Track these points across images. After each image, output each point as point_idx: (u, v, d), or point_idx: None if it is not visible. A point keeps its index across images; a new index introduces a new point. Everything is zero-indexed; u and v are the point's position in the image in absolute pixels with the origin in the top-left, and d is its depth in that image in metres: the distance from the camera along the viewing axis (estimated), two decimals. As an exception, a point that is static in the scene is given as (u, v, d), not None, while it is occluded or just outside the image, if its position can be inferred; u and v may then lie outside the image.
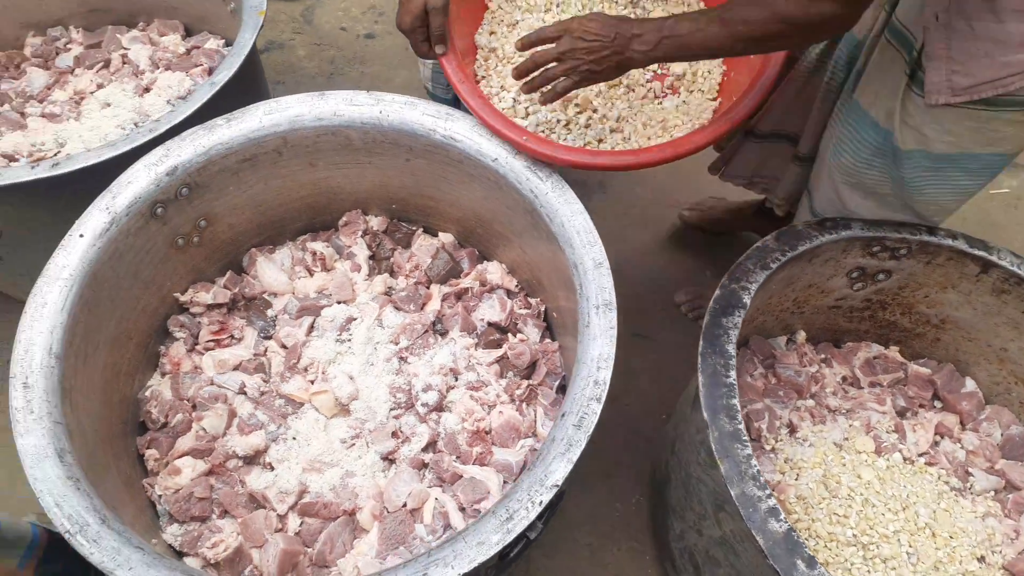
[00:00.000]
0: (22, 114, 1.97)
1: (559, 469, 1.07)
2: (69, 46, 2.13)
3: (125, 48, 2.10)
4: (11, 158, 1.87)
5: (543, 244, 1.40)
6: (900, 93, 1.23)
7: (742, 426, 1.17)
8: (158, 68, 2.06)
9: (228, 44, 2.12)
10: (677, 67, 1.58)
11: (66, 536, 1.02)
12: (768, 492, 1.12)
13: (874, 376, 1.64)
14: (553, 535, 1.65)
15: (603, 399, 1.12)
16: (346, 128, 1.46)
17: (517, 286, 1.63)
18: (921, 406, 1.62)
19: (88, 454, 1.19)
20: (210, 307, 1.58)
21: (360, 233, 1.67)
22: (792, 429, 1.56)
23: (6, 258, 1.71)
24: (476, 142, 1.40)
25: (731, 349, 1.23)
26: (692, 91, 1.56)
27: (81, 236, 1.30)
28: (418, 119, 1.43)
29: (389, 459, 1.41)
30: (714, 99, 1.55)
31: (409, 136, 1.45)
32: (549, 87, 1.30)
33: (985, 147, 1.20)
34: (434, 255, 1.65)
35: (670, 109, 1.52)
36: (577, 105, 1.51)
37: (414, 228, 1.70)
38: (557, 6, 1.63)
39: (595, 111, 1.52)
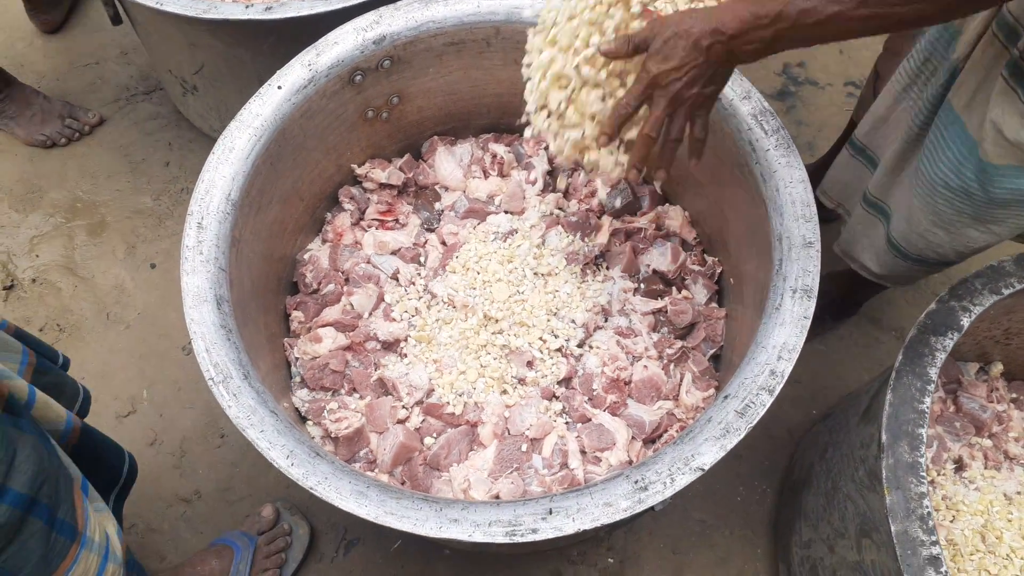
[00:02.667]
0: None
1: (709, 453, 0.98)
2: None
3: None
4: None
5: (745, 203, 1.26)
6: (995, 97, 1.00)
7: (923, 460, 1.03)
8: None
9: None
10: None
11: (209, 384, 1.03)
12: (934, 539, 0.99)
13: (1072, 435, 1.43)
14: (664, 500, 1.58)
15: (776, 393, 1.01)
16: (562, 31, 1.35)
17: (695, 239, 1.51)
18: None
19: (241, 303, 1.21)
20: (382, 186, 1.55)
21: (544, 145, 1.59)
22: (960, 466, 1.39)
23: (201, 90, 1.74)
24: (699, 76, 1.26)
25: (933, 374, 1.08)
26: None
27: (279, 88, 1.28)
28: (642, 37, 1.30)
29: (521, 381, 1.36)
30: None
31: (628, 53, 1.32)
32: (686, 143, 1.04)
33: None
34: (615, 185, 1.54)
35: None
36: None
37: (601, 152, 1.59)
38: None
39: None
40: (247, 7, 1.41)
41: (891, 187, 1.30)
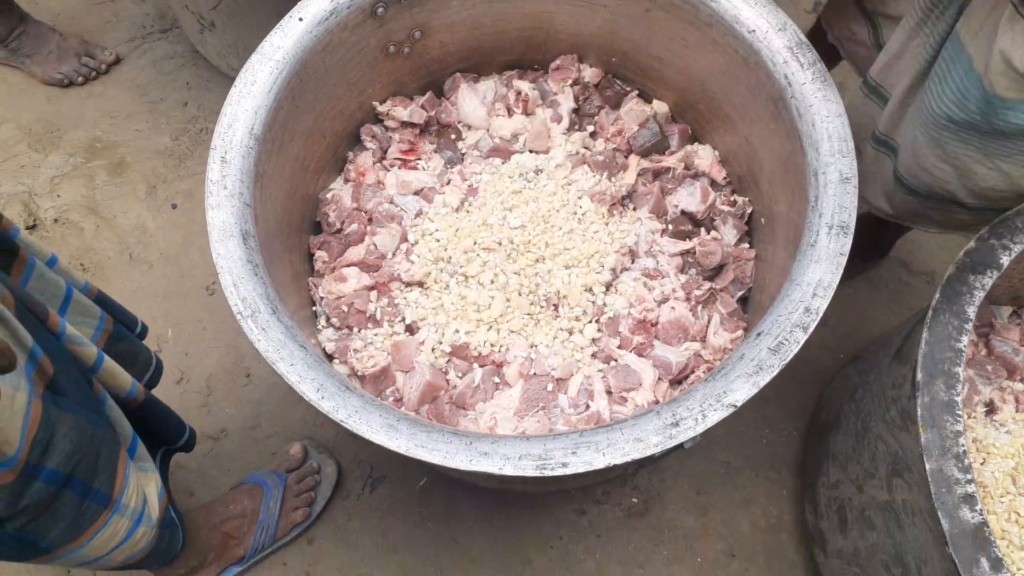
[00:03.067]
0: None
1: (741, 390, 0.97)
2: None
3: None
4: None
5: (778, 140, 1.23)
6: (1004, 23, 0.97)
7: (960, 398, 1.02)
8: None
9: None
10: None
11: (238, 318, 1.02)
12: (969, 477, 0.98)
13: (1106, 380, 1.41)
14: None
15: (810, 330, 0.99)
16: (592, -41, 1.31)
17: (725, 178, 1.47)
18: None
19: (267, 240, 1.19)
20: (404, 124, 1.52)
21: (570, 82, 1.55)
22: (991, 410, 1.37)
23: (219, 27, 1.70)
24: (735, 6, 1.22)
25: (971, 312, 1.06)
26: None
27: (300, 20, 1.25)
28: (675, -35, 1.26)
29: (547, 321, 1.35)
30: None
31: (659, -18, 1.28)
32: None
33: None
34: (642, 123, 1.50)
35: None
36: None
37: (628, 89, 1.56)
38: None
39: None
40: (266, -65, 1.37)
41: (899, 122, 1.26)
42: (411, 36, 1.43)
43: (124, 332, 1.14)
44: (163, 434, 1.16)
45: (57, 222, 1.74)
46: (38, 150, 1.83)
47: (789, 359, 0.98)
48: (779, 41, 1.20)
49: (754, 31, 1.21)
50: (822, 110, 1.14)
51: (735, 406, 0.96)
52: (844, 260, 1.04)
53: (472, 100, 1.54)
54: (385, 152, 1.52)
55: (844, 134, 1.11)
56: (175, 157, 1.82)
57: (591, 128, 1.55)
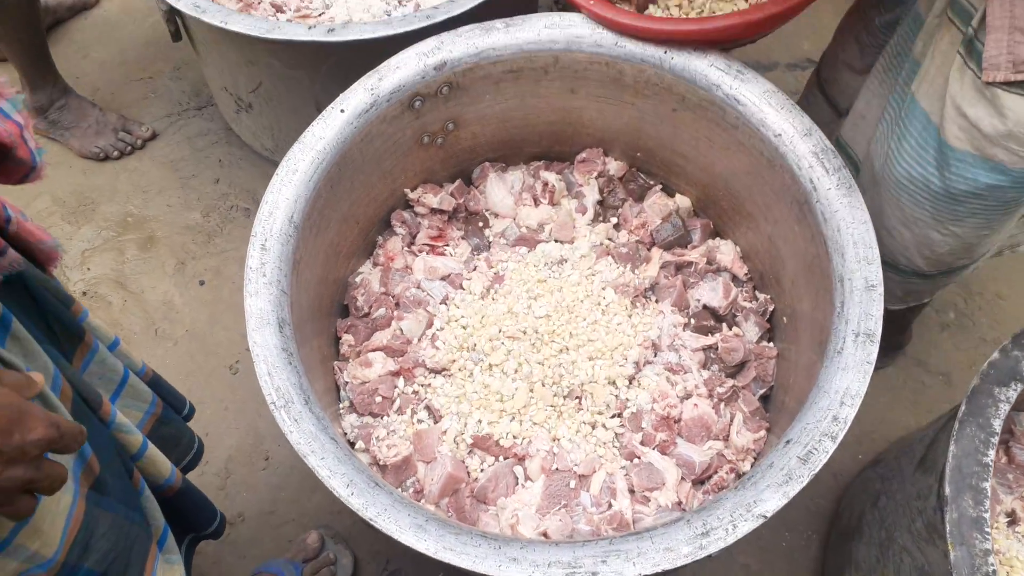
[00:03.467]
0: (297, -31, 1.99)
1: (771, 500, 0.97)
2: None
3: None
4: (279, 8, 1.91)
5: (802, 242, 1.25)
6: (953, 73, 1.04)
7: (988, 515, 1.01)
8: (434, -52, 2.01)
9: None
10: None
11: (271, 408, 1.03)
12: (999, 600, 0.97)
13: None
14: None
15: (839, 439, 1.00)
16: (623, 62, 1.36)
17: (746, 274, 1.50)
18: None
19: (300, 325, 1.21)
20: (433, 211, 1.55)
21: (595, 174, 1.59)
22: (1013, 520, 1.36)
23: (256, 109, 1.76)
24: (762, 110, 1.26)
25: (997, 425, 1.07)
26: None
27: (342, 111, 1.29)
28: (704, 69, 1.31)
29: (570, 415, 1.35)
30: None
31: (687, 85, 1.33)
32: None
33: None
34: (665, 217, 1.54)
35: None
36: None
37: (652, 183, 1.59)
38: None
39: None
40: (309, 28, 1.43)
41: (867, 185, 1.31)
42: (445, 128, 1.48)
43: (171, 415, 1.14)
44: (194, 521, 1.15)
45: (86, 295, 1.76)
46: (71, 222, 1.87)
47: (818, 469, 0.98)
48: (805, 146, 1.23)
49: (780, 135, 1.25)
50: (848, 216, 1.17)
51: (765, 516, 0.96)
52: (871, 368, 1.05)
53: (500, 190, 1.58)
54: (414, 237, 1.55)
55: (869, 241, 1.14)
56: (204, 233, 1.85)
57: (615, 220, 1.58)
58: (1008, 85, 0.96)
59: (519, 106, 1.50)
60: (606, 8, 1.33)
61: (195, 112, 2.06)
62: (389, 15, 1.87)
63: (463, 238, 1.57)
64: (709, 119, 1.36)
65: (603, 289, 1.45)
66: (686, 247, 1.53)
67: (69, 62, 2.14)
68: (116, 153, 1.97)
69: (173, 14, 1.57)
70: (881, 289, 1.10)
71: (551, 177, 1.59)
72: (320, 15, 1.88)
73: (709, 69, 1.30)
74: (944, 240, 1.20)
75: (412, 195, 1.54)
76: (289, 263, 1.18)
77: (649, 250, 1.53)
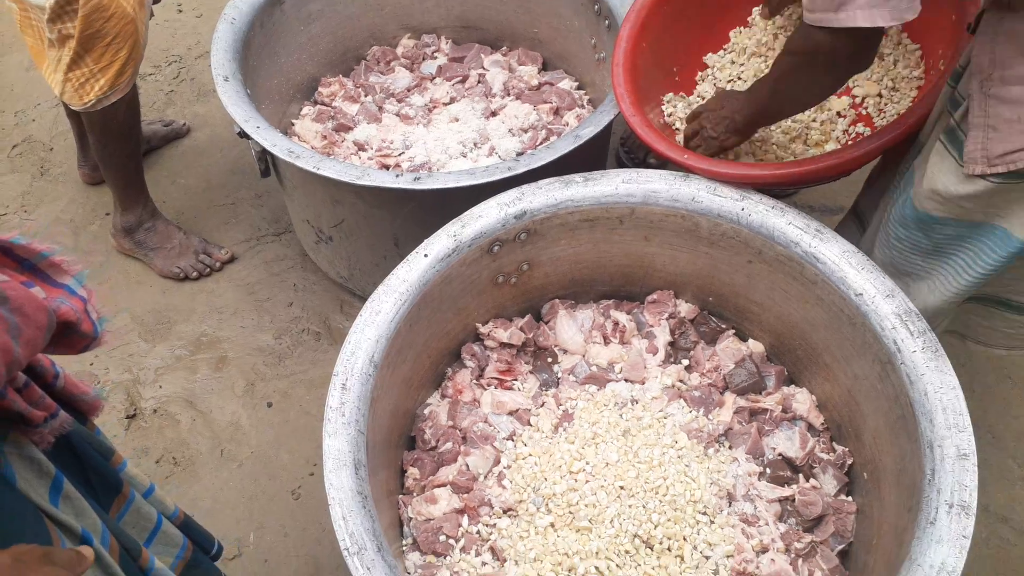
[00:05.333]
0: (380, 108, 2.11)
1: None
2: (436, 54, 2.26)
3: (484, 69, 2.19)
4: (361, 147, 2.01)
5: (885, 401, 1.23)
6: (935, 153, 1.18)
7: None
8: (508, 95, 2.12)
9: (581, 87, 2.15)
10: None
11: (344, 554, 1.02)
12: None
13: None
14: None
15: (939, 620, 0.95)
16: (699, 215, 1.40)
17: (823, 424, 1.46)
18: None
19: (372, 462, 1.21)
20: (502, 344, 1.57)
21: (666, 316, 1.60)
22: None
23: (336, 241, 1.83)
24: (842, 269, 1.27)
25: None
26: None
27: (425, 256, 1.34)
28: (782, 227, 1.33)
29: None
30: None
31: (765, 240, 1.35)
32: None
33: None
34: (739, 361, 1.53)
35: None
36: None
37: (724, 327, 1.59)
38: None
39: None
40: (397, 176, 1.50)
41: (871, 247, 1.41)
42: (520, 268, 1.51)
43: (201, 558, 1.15)
44: None
45: (156, 413, 1.80)
46: (147, 340, 1.93)
47: (917, 651, 0.93)
48: (887, 307, 1.23)
49: (861, 295, 1.25)
50: (935, 380, 1.15)
51: None
52: (967, 543, 1.01)
53: (570, 327, 1.59)
54: (483, 371, 1.56)
55: (960, 408, 1.11)
56: (275, 355, 1.89)
57: (686, 362, 1.58)
58: (982, 177, 1.10)
59: (592, 250, 1.53)
60: (701, 160, 1.41)
61: (273, 238, 2.14)
62: (465, 156, 1.96)
63: (531, 372, 1.58)
64: (786, 272, 1.37)
65: (675, 433, 1.43)
66: (760, 393, 1.51)
67: (159, 186, 2.26)
68: (195, 274, 2.05)
69: (265, 154, 1.66)
70: (975, 459, 1.07)
71: (622, 317, 1.60)
72: (400, 154, 1.98)
73: (787, 227, 1.32)
74: (931, 297, 1.31)
75: (483, 329, 1.56)
76: (367, 402, 1.20)
77: (722, 394, 1.52)
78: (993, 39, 1.05)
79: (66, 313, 0.73)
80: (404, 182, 1.48)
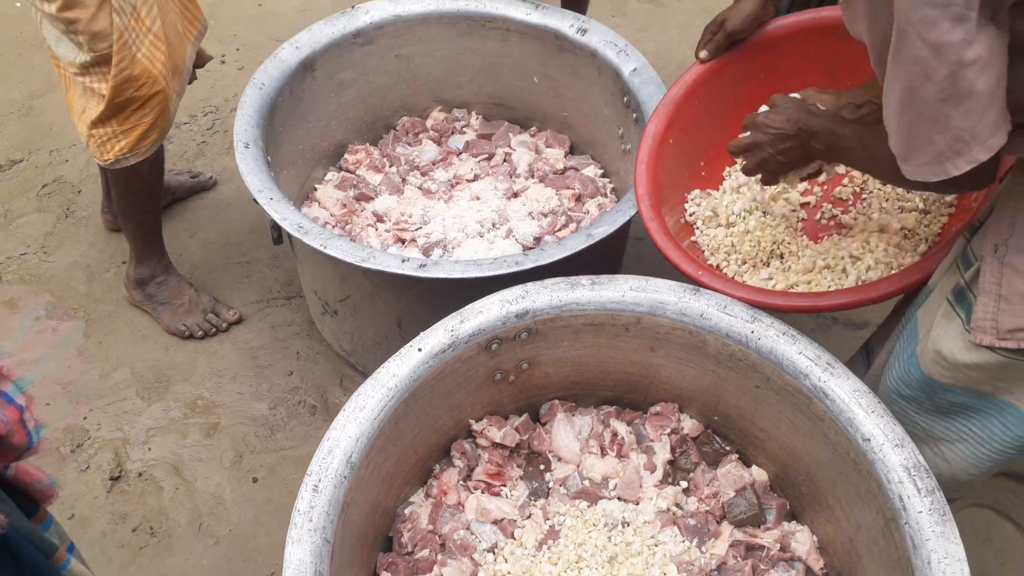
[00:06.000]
0: (403, 180, 2.10)
1: None
2: (465, 128, 2.26)
3: (511, 148, 2.18)
4: (380, 218, 2.00)
5: (886, 558, 1.15)
6: (941, 315, 1.10)
7: None
8: (533, 176, 2.10)
9: (606, 175, 2.12)
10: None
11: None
12: None
13: None
14: None
15: None
16: (707, 333, 1.34)
17: (822, 569, 1.37)
18: None
19: (339, 569, 1.15)
20: (495, 444, 1.51)
21: (669, 430, 1.53)
22: None
23: (340, 315, 1.80)
24: (851, 409, 1.20)
25: None
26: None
27: (419, 350, 1.29)
28: (792, 356, 1.27)
29: None
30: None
31: (773, 368, 1.29)
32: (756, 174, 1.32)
33: None
34: (740, 490, 1.45)
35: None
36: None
37: (728, 448, 1.52)
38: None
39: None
40: (403, 261, 1.47)
41: (874, 386, 1.32)
42: (519, 367, 1.46)
43: None
44: None
45: (141, 476, 1.76)
46: (144, 398, 1.90)
47: None
48: (896, 458, 1.15)
49: (869, 440, 1.18)
50: (940, 548, 1.06)
51: None
52: None
53: (567, 433, 1.53)
54: (471, 471, 1.50)
55: (966, 580, 1.03)
56: (268, 427, 1.85)
57: (684, 484, 1.50)
58: (990, 348, 1.02)
59: (596, 355, 1.48)
60: (715, 279, 1.37)
61: (283, 301, 2.12)
62: (482, 235, 1.94)
63: (522, 479, 1.51)
64: (793, 404, 1.31)
65: (665, 564, 1.35)
66: (759, 527, 1.43)
67: (178, 238, 2.26)
68: (200, 333, 2.03)
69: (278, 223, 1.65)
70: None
71: (621, 428, 1.54)
72: (417, 229, 1.96)
73: (798, 356, 1.26)
74: (936, 461, 1.23)
75: (476, 427, 1.51)
76: (338, 507, 1.14)
77: (719, 523, 1.43)
78: (1017, 202, 0.98)
79: None
80: (409, 268, 1.45)
